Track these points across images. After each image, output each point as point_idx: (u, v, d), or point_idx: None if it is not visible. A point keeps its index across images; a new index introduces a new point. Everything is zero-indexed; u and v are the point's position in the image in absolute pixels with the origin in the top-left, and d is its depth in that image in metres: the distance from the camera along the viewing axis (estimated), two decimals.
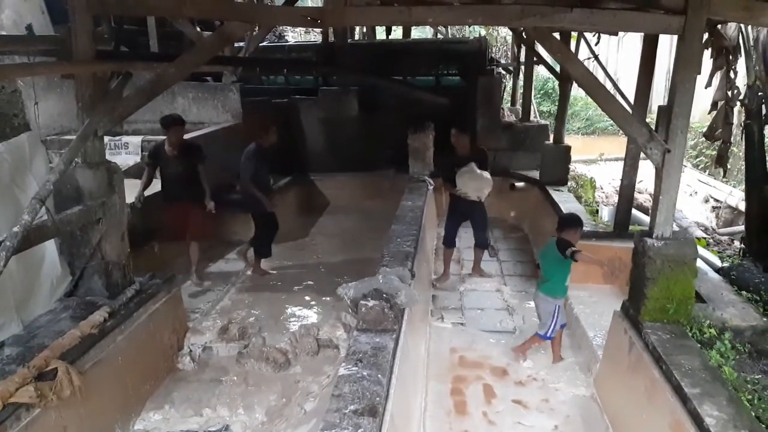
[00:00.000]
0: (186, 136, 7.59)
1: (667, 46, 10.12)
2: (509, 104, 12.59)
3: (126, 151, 7.20)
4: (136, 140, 7.34)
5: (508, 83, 13.10)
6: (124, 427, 4.08)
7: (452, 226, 6.70)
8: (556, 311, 4.81)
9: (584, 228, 6.18)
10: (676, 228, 4.06)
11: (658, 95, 14.93)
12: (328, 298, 5.97)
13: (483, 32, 15.61)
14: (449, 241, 6.74)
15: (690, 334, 3.88)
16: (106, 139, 5.53)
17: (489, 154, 6.62)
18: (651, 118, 6.70)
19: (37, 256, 4.15)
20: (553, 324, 4.82)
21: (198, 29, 8.63)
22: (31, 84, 4.96)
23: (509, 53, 15.20)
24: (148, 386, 4.47)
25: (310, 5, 14.12)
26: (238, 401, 4.43)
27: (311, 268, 7.10)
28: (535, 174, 8.85)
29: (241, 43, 9.22)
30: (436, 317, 5.84)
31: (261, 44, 9.84)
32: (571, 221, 4.86)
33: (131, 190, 5.08)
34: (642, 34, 5.70)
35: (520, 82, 11.41)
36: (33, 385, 3.21)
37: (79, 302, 4.27)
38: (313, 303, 6.08)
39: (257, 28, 8.60)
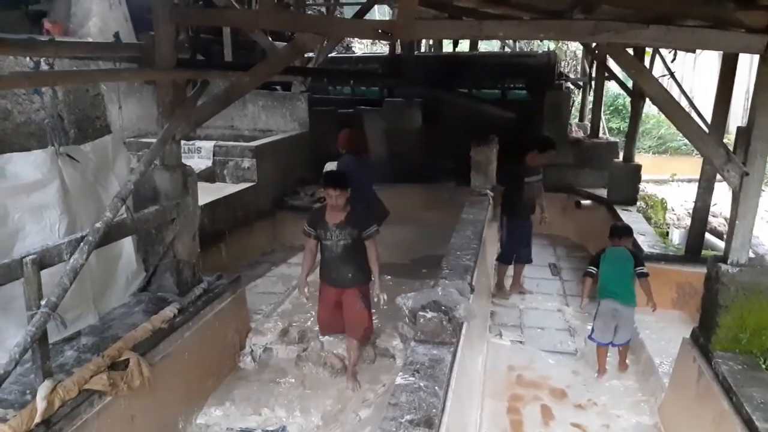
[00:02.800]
0: (256, 143, 7.85)
1: (746, 64, 9.67)
2: (577, 120, 12.32)
3: (198, 155, 7.50)
4: (208, 145, 7.64)
5: (577, 98, 12.84)
6: (186, 420, 4.24)
7: (513, 243, 6.70)
8: None
9: (654, 250, 6.07)
10: (752, 254, 3.87)
11: (736, 115, 14.27)
12: (385, 308, 5.98)
13: (552, 46, 15.39)
14: (511, 258, 6.75)
15: (764, 366, 3.68)
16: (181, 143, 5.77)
17: None
18: (729, 138, 6.43)
19: (114, 252, 4.37)
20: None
21: (269, 38, 8.90)
22: (115, 89, 5.26)
23: (579, 67, 14.90)
24: (211, 382, 4.63)
25: (377, 18, 14.31)
26: (296, 403, 4.52)
27: None
28: (603, 192, 8.62)
29: (311, 54, 9.45)
30: (494, 333, 5.77)
31: (329, 55, 10.05)
32: (631, 231, 5.24)
33: (202, 193, 5.26)
34: (720, 52, 5.50)
35: (590, 98, 11.16)
36: (106, 373, 3.40)
37: (151, 297, 4.48)
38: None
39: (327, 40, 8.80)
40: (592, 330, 5.10)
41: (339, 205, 4.52)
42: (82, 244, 3.35)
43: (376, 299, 4.70)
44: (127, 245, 4.50)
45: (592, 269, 5.04)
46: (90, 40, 5.41)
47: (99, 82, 4.86)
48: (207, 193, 6.50)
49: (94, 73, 4.39)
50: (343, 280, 4.71)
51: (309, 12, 11.76)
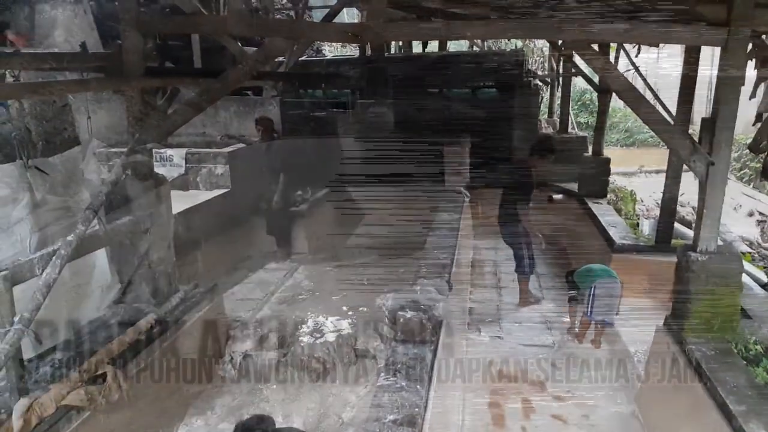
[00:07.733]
0: (229, 149, 7.82)
1: (709, 56, 9.91)
2: (546, 116, 12.50)
3: (170, 164, 7.42)
4: (180, 153, 7.56)
5: (545, 95, 13.02)
6: (167, 431, 4.19)
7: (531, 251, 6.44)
8: None
9: (625, 241, 6.20)
10: (720, 242, 3.98)
11: (700, 106, 14.60)
12: (365, 309, 6.00)
13: (519, 44, 15.57)
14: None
15: (735, 351, 3.79)
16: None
17: None
18: (693, 129, 6.59)
19: (88, 265, 4.31)
20: None
21: (239, 44, 8.83)
22: (83, 99, 5.18)
23: (546, 64, 15.12)
24: (191, 392, 4.57)
25: (346, 20, 14.31)
26: (277, 409, 4.49)
27: (347, 278, 7.15)
28: (574, 186, 8.76)
29: (282, 58, 9.40)
30: (473, 330, 5.83)
31: (300, 59, 10.02)
32: None
33: (175, 201, 5.20)
34: (683, 45, 5.63)
35: (557, 94, 11.34)
36: (83, 388, 3.34)
37: (127, 309, 4.39)
38: (350, 313, 6.12)
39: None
40: (591, 312, 5.33)
41: None
42: (54, 258, 3.29)
43: None
44: (100, 257, 4.42)
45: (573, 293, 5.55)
46: (56, 50, 5.31)
47: (69, 93, 4.77)
48: (181, 201, 6.43)
49: (61, 84, 4.31)
50: None
51: (278, 16, 11.71)
